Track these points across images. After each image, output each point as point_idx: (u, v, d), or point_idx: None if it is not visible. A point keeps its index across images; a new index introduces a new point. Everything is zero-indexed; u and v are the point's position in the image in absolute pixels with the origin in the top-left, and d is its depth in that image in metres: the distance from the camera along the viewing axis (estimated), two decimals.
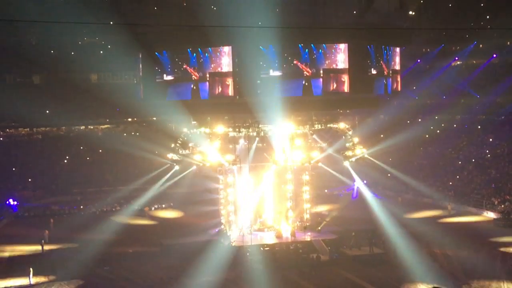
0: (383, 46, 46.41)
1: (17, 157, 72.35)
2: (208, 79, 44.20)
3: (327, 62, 44.20)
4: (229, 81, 43.78)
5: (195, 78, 44.50)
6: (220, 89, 44.02)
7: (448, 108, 74.93)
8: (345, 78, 44.29)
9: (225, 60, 43.79)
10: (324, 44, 44.09)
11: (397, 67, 48.35)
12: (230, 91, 43.90)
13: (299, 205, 48.71)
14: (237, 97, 43.98)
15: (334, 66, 44.23)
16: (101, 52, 72.50)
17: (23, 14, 62.72)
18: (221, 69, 43.85)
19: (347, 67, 44.11)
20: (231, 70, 43.72)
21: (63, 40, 71.40)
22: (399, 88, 49.21)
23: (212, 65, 44.09)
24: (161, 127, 65.12)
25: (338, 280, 38.96)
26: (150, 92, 46.87)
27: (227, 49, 43.81)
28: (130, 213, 59.55)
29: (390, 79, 47.58)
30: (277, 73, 43.79)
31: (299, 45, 43.81)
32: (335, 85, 44.39)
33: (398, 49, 48.33)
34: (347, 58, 44.10)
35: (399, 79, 49.05)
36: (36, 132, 79.47)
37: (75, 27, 67.62)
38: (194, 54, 44.33)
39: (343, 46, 44.17)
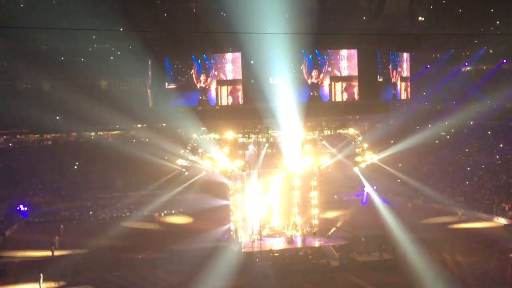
0: (390, 52, 46.32)
1: (28, 163, 72.65)
2: (215, 86, 44.08)
3: (333, 69, 44.16)
4: (238, 88, 43.74)
5: (202, 85, 44.31)
6: (228, 96, 43.94)
7: (458, 114, 74.71)
8: (355, 84, 44.31)
9: (228, 67, 43.70)
10: (329, 50, 44.10)
11: (405, 73, 48.15)
12: (239, 98, 43.86)
13: (308, 211, 48.62)
14: (246, 103, 43.89)
15: (339, 73, 44.19)
16: (111, 58, 72.81)
17: (33, 20, 63.13)
18: (226, 76, 43.74)
19: (354, 73, 44.11)
20: (237, 77, 43.68)
21: (73, 47, 71.89)
22: (408, 95, 48.99)
23: (217, 72, 43.92)
24: (171, 133, 65.24)
25: (348, 286, 38.90)
26: (160, 98, 46.84)
27: (230, 56, 43.77)
28: (140, 218, 59.70)
29: (399, 85, 47.45)
30: (282, 80, 43.72)
31: (303, 51, 43.80)
32: (343, 92, 44.37)
33: (405, 55, 48.16)
34: (355, 64, 44.08)
35: (408, 85, 48.85)
36: (46, 138, 79.80)
37: (85, 34, 67.97)
38: (199, 61, 44.23)
39: (345, 53, 44.15)
